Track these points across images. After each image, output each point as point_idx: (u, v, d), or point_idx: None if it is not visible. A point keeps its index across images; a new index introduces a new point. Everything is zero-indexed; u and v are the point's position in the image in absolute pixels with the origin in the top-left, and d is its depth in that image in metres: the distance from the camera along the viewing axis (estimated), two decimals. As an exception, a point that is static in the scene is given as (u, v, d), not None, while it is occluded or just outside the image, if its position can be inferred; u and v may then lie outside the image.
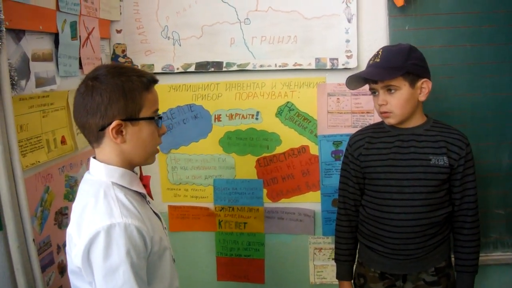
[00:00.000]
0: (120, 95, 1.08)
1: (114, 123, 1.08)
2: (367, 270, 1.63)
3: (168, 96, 2.01)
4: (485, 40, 1.84)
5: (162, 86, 2.00)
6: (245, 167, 2.04)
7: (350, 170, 1.62)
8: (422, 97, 1.51)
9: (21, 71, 1.40)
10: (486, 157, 1.90)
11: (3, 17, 1.25)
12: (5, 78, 1.28)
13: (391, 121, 1.52)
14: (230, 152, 2.04)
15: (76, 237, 1.05)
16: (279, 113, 1.98)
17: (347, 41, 1.87)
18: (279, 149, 2.01)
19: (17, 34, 1.39)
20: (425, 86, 1.49)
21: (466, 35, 1.85)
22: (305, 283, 2.10)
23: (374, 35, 1.88)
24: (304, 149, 1.99)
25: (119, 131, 1.10)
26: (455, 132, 1.53)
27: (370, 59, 1.54)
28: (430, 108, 1.66)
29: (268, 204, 2.06)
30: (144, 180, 1.25)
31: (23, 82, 1.41)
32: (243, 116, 2.00)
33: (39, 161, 1.46)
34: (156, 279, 1.14)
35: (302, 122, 1.97)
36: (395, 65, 1.45)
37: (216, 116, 2.02)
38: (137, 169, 1.25)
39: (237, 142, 2.03)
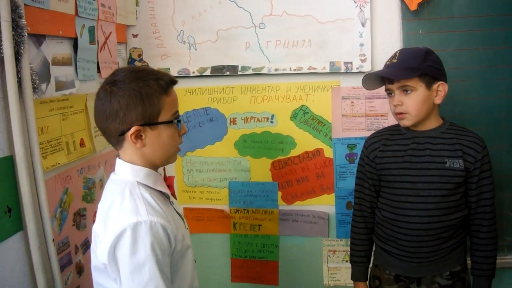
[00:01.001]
0: (137, 100, 1.10)
1: (133, 129, 1.10)
2: (382, 273, 1.63)
3: (184, 99, 2.04)
4: (498, 43, 1.83)
5: (178, 89, 1.93)
6: (260, 170, 2.06)
7: (365, 172, 1.63)
8: (438, 100, 1.51)
9: (42, 75, 1.44)
10: (500, 159, 1.87)
11: (25, 22, 1.29)
12: (27, 82, 1.32)
13: (406, 122, 1.52)
14: (245, 155, 2.06)
15: (103, 234, 1.07)
16: (293, 116, 1.99)
17: (361, 45, 1.88)
18: (294, 152, 2.02)
19: (38, 38, 1.42)
20: (441, 89, 1.50)
21: (479, 38, 1.84)
22: (319, 285, 2.10)
23: (388, 39, 1.88)
24: (318, 152, 2.00)
25: (138, 136, 1.12)
26: (471, 135, 1.52)
27: (387, 61, 1.55)
28: (443, 112, 1.66)
29: (283, 206, 2.07)
30: (168, 181, 1.29)
31: (43, 86, 1.45)
32: (258, 119, 2.02)
33: (59, 163, 1.49)
34: (178, 278, 1.16)
35: (317, 125, 1.98)
36: (411, 65, 1.46)
37: (232, 119, 2.04)
38: (161, 169, 1.28)
39: (252, 145, 2.04)
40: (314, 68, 1.92)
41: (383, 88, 1.59)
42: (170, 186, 1.27)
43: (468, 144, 1.50)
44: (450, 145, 1.50)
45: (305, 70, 1.93)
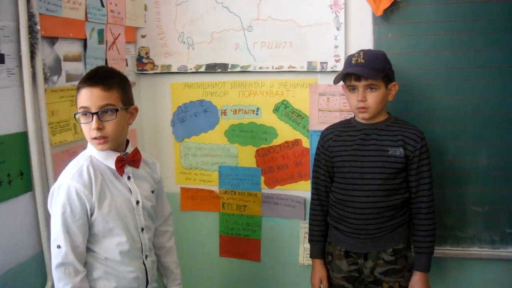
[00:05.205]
0: None
1: None
2: (334, 249, 1.84)
3: (183, 92, 2.34)
4: (464, 47, 1.96)
5: (179, 84, 2.35)
6: (246, 156, 2.32)
7: (321, 159, 1.86)
8: (391, 98, 1.75)
9: (54, 69, 1.77)
10: (464, 156, 2.02)
11: (39, 27, 1.63)
12: (39, 74, 1.65)
13: (366, 116, 1.73)
14: (234, 143, 2.33)
15: None
16: (276, 109, 2.24)
17: (336, 46, 2.09)
18: (276, 142, 2.27)
19: (52, 40, 1.76)
20: (393, 89, 1.73)
21: (446, 42, 1.97)
22: (295, 264, 2.32)
23: (360, 42, 2.05)
24: (297, 142, 2.24)
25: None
26: (412, 127, 1.74)
27: (352, 59, 1.73)
28: (411, 109, 1.86)
29: (265, 190, 2.32)
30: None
31: (55, 78, 1.79)
32: (245, 111, 2.29)
33: (66, 140, 1.82)
34: (109, 234, 1.47)
35: (296, 118, 2.22)
36: (378, 67, 1.68)
37: (222, 111, 2.32)
38: (129, 148, 1.56)
39: (240, 134, 2.31)
40: (294, 67, 2.15)
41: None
42: (135, 161, 1.55)
43: (409, 136, 1.71)
44: (393, 136, 1.72)
45: (285, 69, 2.17)
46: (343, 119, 1.91)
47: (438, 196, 2.00)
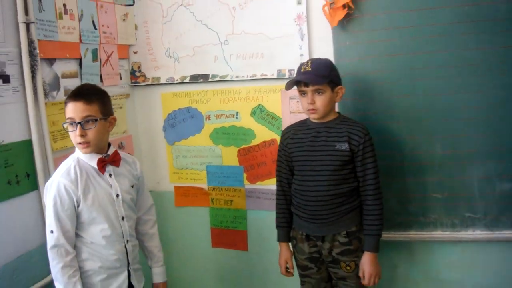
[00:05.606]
0: None
1: None
2: (297, 233, 2.08)
3: (171, 101, 2.64)
4: (416, 49, 2.14)
5: (168, 93, 2.65)
6: (229, 156, 2.59)
7: (282, 155, 2.11)
8: (338, 99, 1.98)
9: (53, 85, 2.09)
10: (421, 148, 2.20)
11: (38, 51, 1.95)
12: (40, 90, 1.97)
13: (315, 116, 1.97)
14: (218, 144, 2.60)
15: None
16: (253, 113, 2.50)
17: (301, 55, 2.33)
18: (254, 142, 2.52)
19: (50, 61, 2.08)
20: (339, 92, 1.97)
21: (399, 46, 2.16)
22: (278, 251, 2.55)
23: (322, 50, 2.28)
24: (273, 142, 2.49)
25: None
26: (357, 125, 1.96)
27: (301, 67, 1.97)
28: (371, 108, 2.10)
29: (248, 185, 2.58)
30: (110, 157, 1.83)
31: (55, 93, 2.10)
32: (226, 116, 2.56)
33: (66, 146, 2.13)
34: (94, 222, 1.75)
35: (271, 120, 2.47)
36: (324, 74, 1.92)
37: (207, 116, 2.59)
38: (111, 150, 1.85)
39: (223, 136, 2.58)
40: (265, 75, 2.41)
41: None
42: (115, 161, 1.83)
43: (354, 132, 1.94)
44: (340, 132, 1.95)
45: (258, 77, 2.43)
46: (300, 120, 2.14)
47: (401, 186, 2.25)
